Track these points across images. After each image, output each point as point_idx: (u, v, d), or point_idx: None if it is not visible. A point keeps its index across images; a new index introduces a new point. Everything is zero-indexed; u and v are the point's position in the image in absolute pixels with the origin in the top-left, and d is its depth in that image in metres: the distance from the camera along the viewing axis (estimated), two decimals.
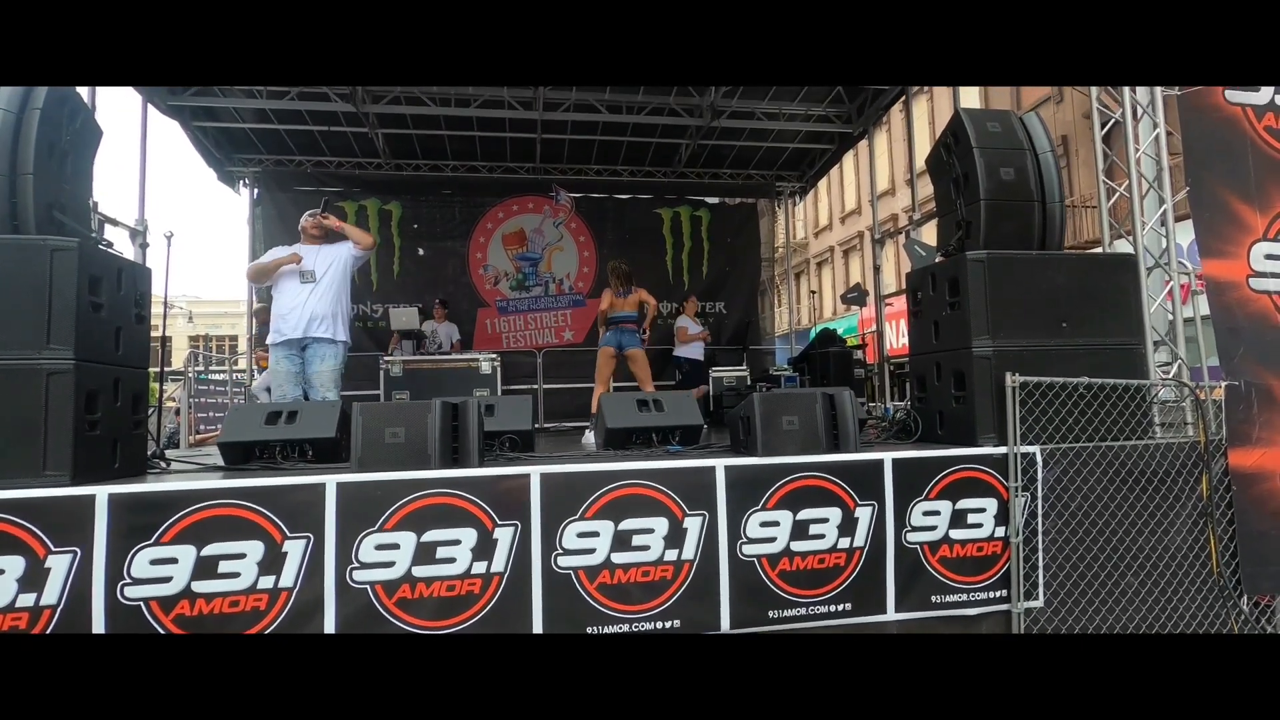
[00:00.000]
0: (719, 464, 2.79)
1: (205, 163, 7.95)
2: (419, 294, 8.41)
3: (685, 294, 9.27)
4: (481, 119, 7.48)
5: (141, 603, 2.31)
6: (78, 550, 2.27)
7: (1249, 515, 3.11)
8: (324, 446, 3.12)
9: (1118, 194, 4.82)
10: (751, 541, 2.77)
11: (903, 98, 7.26)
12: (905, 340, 4.20)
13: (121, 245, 4.40)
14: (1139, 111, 4.77)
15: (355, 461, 2.66)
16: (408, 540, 2.51)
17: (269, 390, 7.23)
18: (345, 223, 4.10)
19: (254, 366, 8.22)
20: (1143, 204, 4.59)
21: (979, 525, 2.95)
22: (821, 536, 2.82)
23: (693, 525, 2.72)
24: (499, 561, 2.57)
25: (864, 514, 2.86)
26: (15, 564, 2.23)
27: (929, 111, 15.11)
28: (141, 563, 2.32)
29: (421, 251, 8.80)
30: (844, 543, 2.83)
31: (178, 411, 7.28)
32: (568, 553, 2.63)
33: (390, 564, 2.49)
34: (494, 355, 6.74)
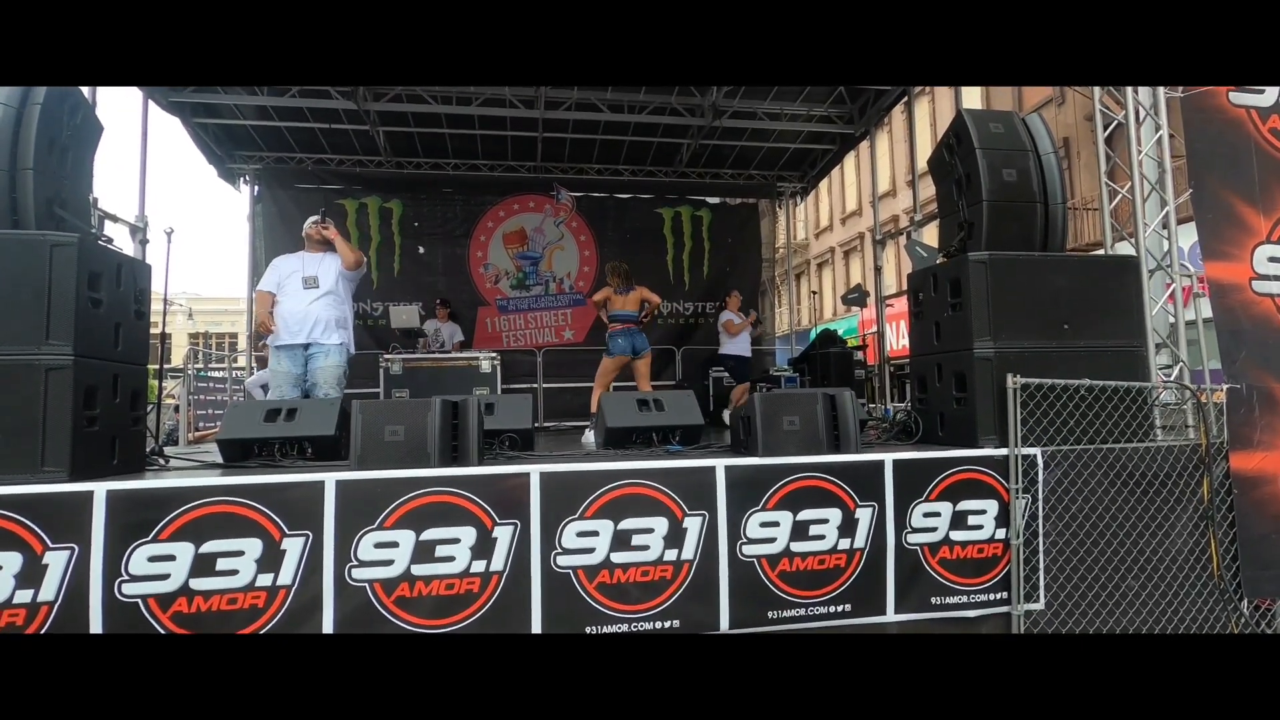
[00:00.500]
0: (719, 464, 2.78)
1: (206, 159, 7.94)
2: (419, 292, 8.40)
3: (685, 293, 9.27)
4: (483, 117, 7.48)
5: (139, 600, 2.30)
6: (75, 547, 2.27)
7: (1250, 519, 3.11)
8: (323, 444, 3.12)
9: (1120, 196, 4.81)
10: (751, 542, 2.76)
11: (904, 99, 7.25)
12: (906, 341, 4.20)
13: (121, 241, 4.39)
14: (1142, 114, 4.76)
15: (355, 459, 2.65)
16: (407, 538, 2.50)
17: (264, 388, 7.26)
18: (340, 236, 4.08)
19: (253, 364, 8.21)
20: (1145, 206, 4.58)
21: (980, 527, 2.94)
22: (822, 537, 2.81)
23: (692, 525, 2.71)
24: (498, 560, 2.56)
25: (864, 515, 2.85)
26: (13, 560, 2.22)
27: (930, 113, 15.11)
28: (139, 560, 2.31)
29: (422, 250, 8.78)
30: (844, 544, 2.82)
31: (177, 409, 7.27)
32: (567, 552, 2.62)
33: (389, 562, 2.48)
34: (494, 354, 6.73)
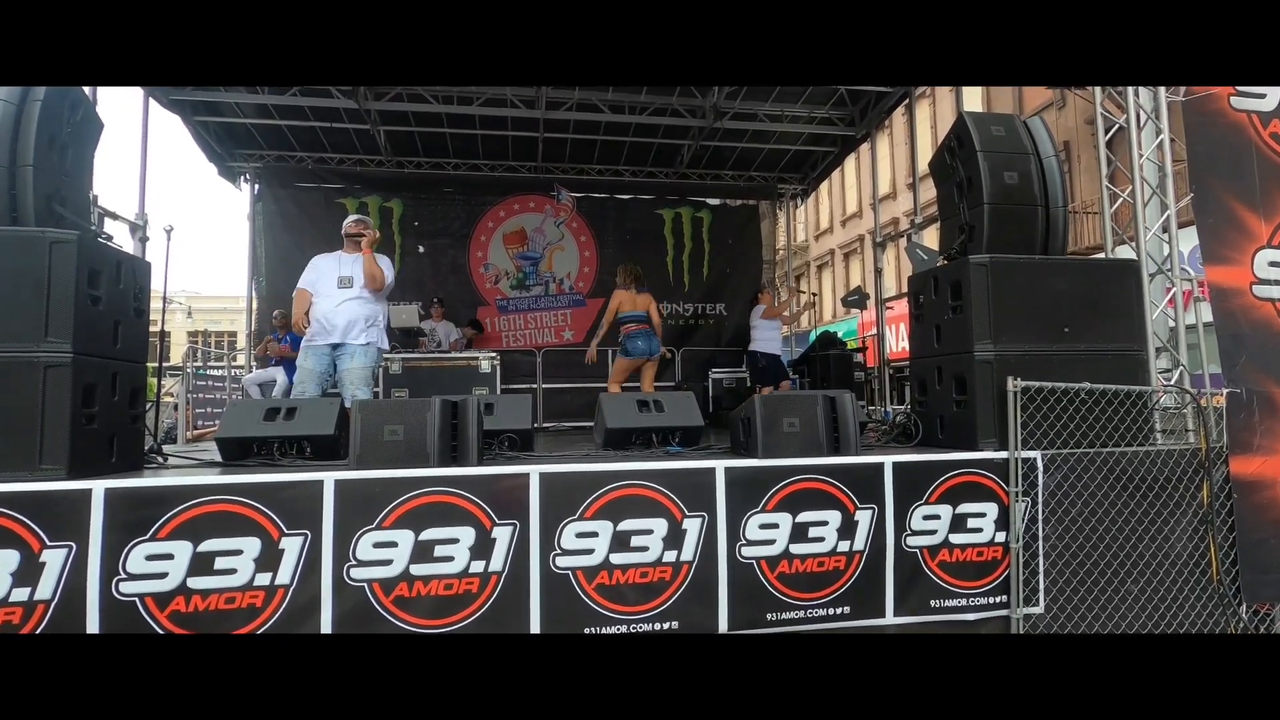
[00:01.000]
0: (719, 465, 2.78)
1: (206, 158, 7.93)
2: (419, 292, 8.39)
3: (685, 294, 9.26)
4: (484, 117, 7.47)
5: (137, 599, 2.29)
6: (73, 545, 2.26)
7: (1249, 523, 3.10)
8: (322, 444, 3.11)
9: (1120, 200, 4.81)
10: (751, 543, 2.75)
11: (905, 101, 7.25)
12: (906, 344, 4.19)
13: (121, 239, 4.39)
14: (1143, 117, 4.76)
15: (354, 459, 2.64)
16: (406, 538, 2.49)
17: (261, 386, 7.25)
18: (370, 253, 4.06)
19: (251, 363, 8.20)
20: (1145, 210, 4.58)
21: (979, 530, 2.94)
22: (821, 539, 2.80)
23: (692, 526, 2.71)
24: (497, 561, 2.56)
25: (864, 517, 2.85)
26: (10, 558, 2.21)
27: (931, 115, 15.12)
28: (137, 558, 2.30)
29: (422, 249, 8.77)
30: (843, 546, 2.82)
31: (175, 407, 7.26)
32: (566, 553, 2.61)
33: (388, 562, 2.48)
34: (493, 354, 6.72)
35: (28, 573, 2.22)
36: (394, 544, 2.49)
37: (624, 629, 2.63)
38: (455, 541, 2.53)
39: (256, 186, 8.43)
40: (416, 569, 2.49)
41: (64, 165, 2.85)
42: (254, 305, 8.40)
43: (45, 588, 2.23)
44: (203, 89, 6.66)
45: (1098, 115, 4.92)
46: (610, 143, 8.42)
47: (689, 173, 9.23)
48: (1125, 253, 4.56)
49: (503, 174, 8.93)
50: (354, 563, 2.45)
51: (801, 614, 2.77)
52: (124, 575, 2.29)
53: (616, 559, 2.64)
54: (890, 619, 2.83)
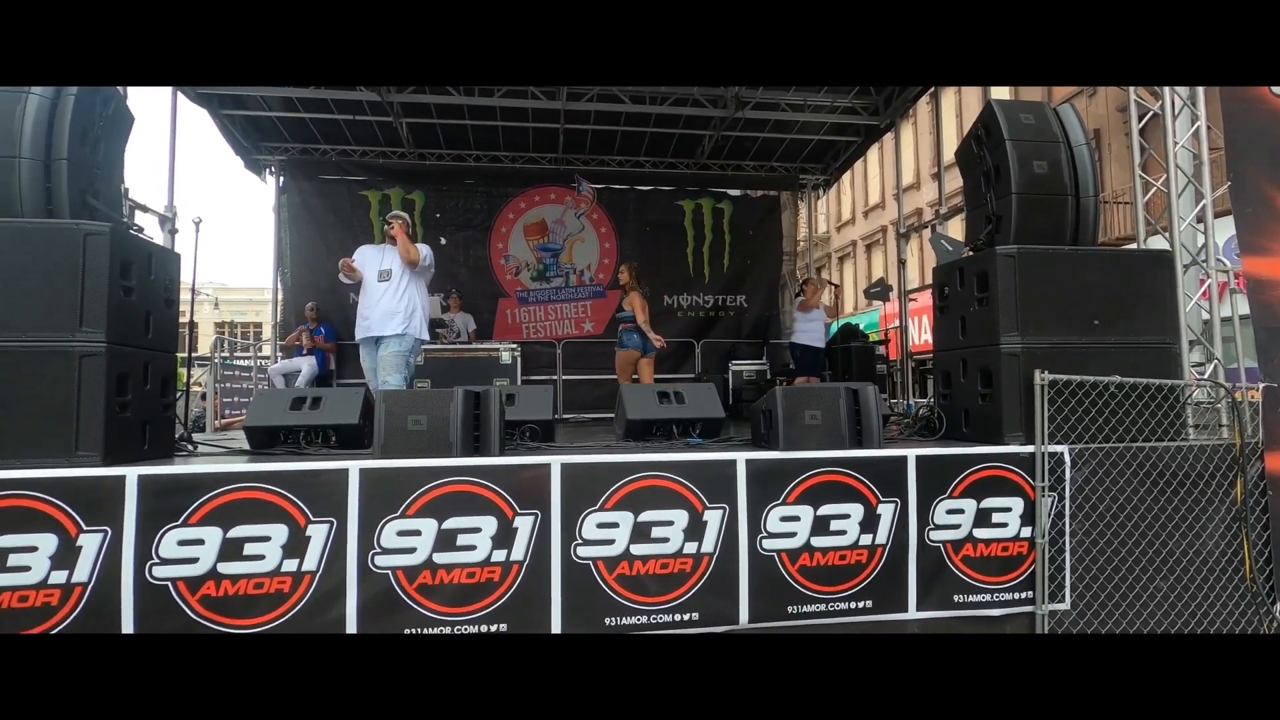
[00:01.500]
0: (740, 457, 2.77)
1: (233, 150, 8.03)
2: (440, 283, 8.44)
3: (705, 286, 9.22)
4: (505, 109, 7.48)
5: (169, 582, 2.35)
6: (108, 530, 2.32)
7: None
8: (347, 433, 3.15)
9: (1154, 189, 4.69)
10: (772, 536, 2.75)
11: (931, 90, 7.12)
12: (929, 336, 4.14)
13: (151, 231, 4.47)
14: (1178, 105, 4.63)
15: (378, 448, 2.68)
16: (429, 527, 2.52)
17: (285, 376, 7.36)
18: (403, 234, 4.23)
19: (277, 353, 8.33)
20: (1180, 199, 4.46)
21: (1004, 525, 2.90)
22: (843, 533, 2.79)
23: (713, 518, 2.71)
24: (519, 550, 2.58)
25: (886, 511, 2.82)
26: (48, 542, 2.28)
27: (957, 104, 14.85)
28: (169, 543, 2.36)
29: (443, 241, 8.82)
30: (866, 539, 2.80)
31: (204, 396, 7.40)
32: (587, 543, 2.63)
33: (412, 550, 2.51)
34: (514, 345, 6.75)
35: (65, 556, 2.29)
36: (417, 532, 2.52)
37: (644, 619, 2.64)
38: (477, 531, 2.56)
39: (282, 179, 8.53)
40: (439, 557, 2.52)
41: (96, 159, 2.90)
42: (279, 296, 8.52)
43: (82, 571, 2.30)
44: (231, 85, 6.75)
45: (1131, 102, 4.79)
46: (631, 134, 8.38)
47: (710, 163, 9.17)
48: (1158, 243, 4.45)
49: (523, 165, 8.94)
50: (378, 550, 2.49)
51: (823, 607, 2.76)
52: (157, 559, 2.35)
53: (637, 550, 2.65)
54: (913, 614, 2.81)
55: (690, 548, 2.69)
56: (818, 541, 2.77)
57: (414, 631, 2.48)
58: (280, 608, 2.42)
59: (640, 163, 9.11)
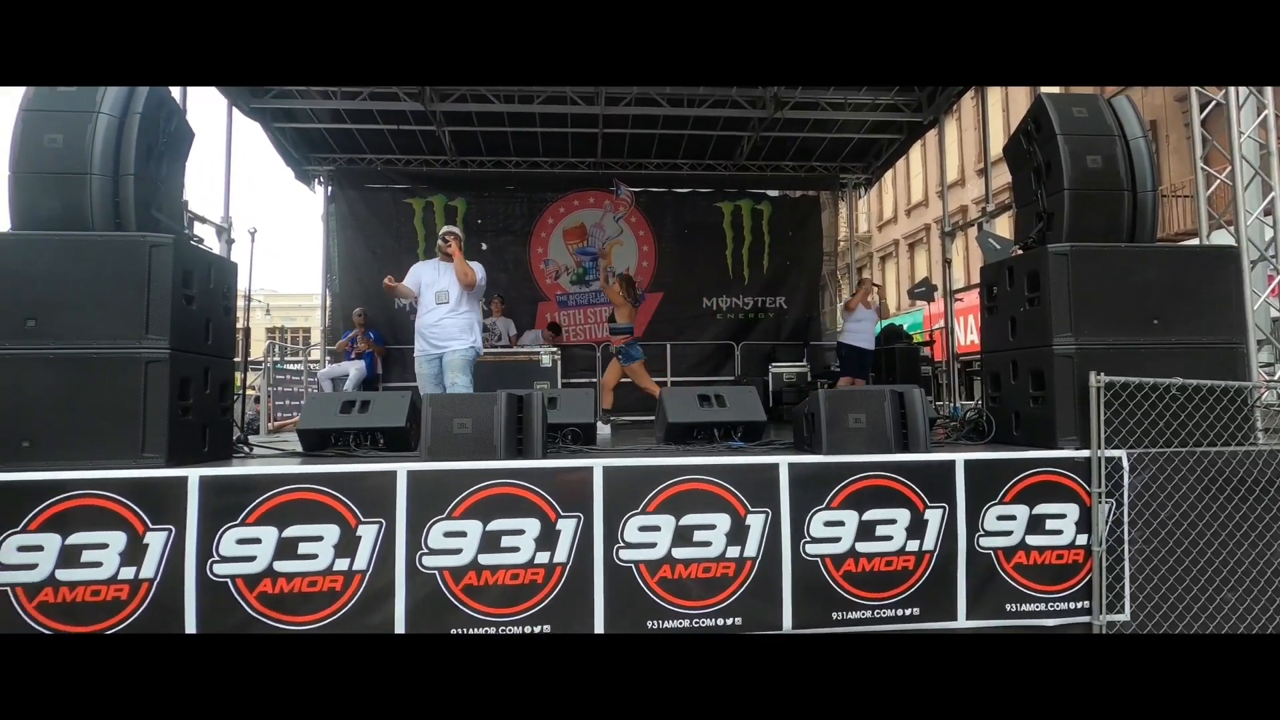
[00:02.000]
0: (782, 461, 2.74)
1: (284, 162, 8.32)
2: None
3: (745, 288, 9.16)
4: (544, 115, 7.57)
5: (229, 580, 2.44)
6: (172, 528, 2.42)
7: None
8: (394, 435, 3.23)
9: (1217, 182, 4.49)
10: (815, 541, 2.71)
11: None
12: (975, 337, 4.03)
13: (208, 241, 4.66)
14: (1243, 94, 4.43)
15: (425, 450, 2.74)
16: (474, 528, 2.57)
17: (333, 380, 7.58)
18: (459, 254, 4.36)
19: (325, 358, 8.58)
20: (1246, 192, 4.26)
21: (1059, 532, 2.81)
22: (889, 538, 2.74)
23: (755, 522, 2.69)
24: (561, 552, 2.60)
25: (934, 516, 2.76)
26: (118, 539, 2.40)
27: (1003, 98, 14.44)
28: (229, 542, 2.45)
29: (485, 246, 8.97)
30: (913, 545, 2.74)
31: (258, 399, 7.67)
32: (629, 546, 2.64)
33: (458, 551, 2.56)
34: (554, 349, 6.82)
35: (134, 553, 2.40)
36: (463, 534, 2.56)
37: (687, 624, 2.63)
38: (521, 533, 2.59)
39: (330, 188, 8.80)
40: (485, 558, 2.56)
41: (160, 173, 3.04)
42: (328, 302, 8.78)
43: (149, 567, 2.41)
44: (281, 95, 6.99)
45: (1191, 92, 4.60)
46: (669, 136, 8.39)
47: (749, 165, 9.12)
48: (1222, 238, 4.26)
49: (562, 170, 9.03)
50: (426, 551, 2.54)
51: (869, 614, 2.71)
52: (217, 557, 2.44)
53: (679, 553, 2.65)
54: (962, 622, 2.74)
55: (733, 552, 2.67)
56: (863, 547, 2.72)
57: (460, 632, 2.53)
58: (333, 605, 2.49)
59: (678, 165, 9.11)
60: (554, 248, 9.12)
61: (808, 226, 9.49)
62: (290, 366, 10.40)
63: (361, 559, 2.52)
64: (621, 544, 2.63)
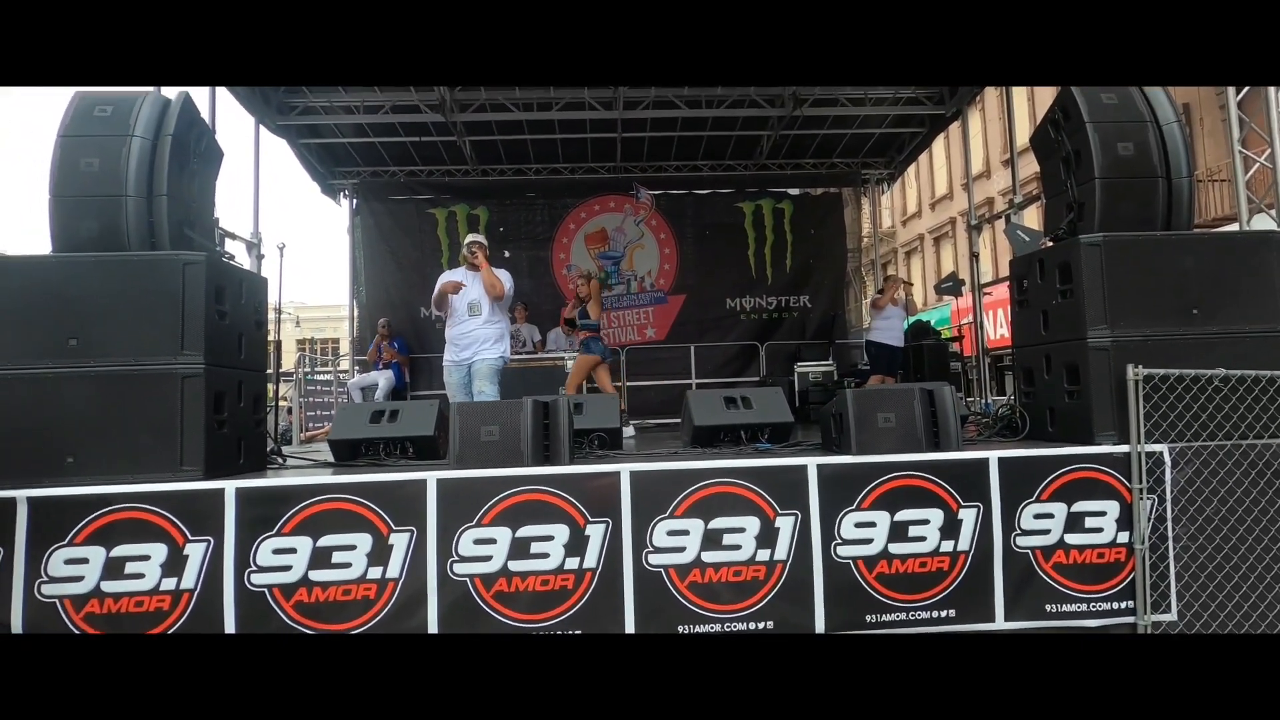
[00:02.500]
0: (811, 462, 2.72)
1: (310, 177, 8.49)
2: None
3: (768, 287, 9.10)
4: (563, 121, 7.62)
5: (266, 589, 2.49)
6: (211, 540, 2.48)
7: None
8: (423, 444, 3.27)
9: (1256, 165, 4.36)
10: (846, 543, 2.68)
11: None
12: (1004, 331, 3.96)
13: (239, 257, 4.77)
14: None
15: (453, 458, 2.76)
16: (504, 535, 2.58)
17: (362, 390, 7.69)
18: (486, 265, 4.42)
19: (354, 368, 8.72)
20: None
21: (1099, 530, 2.74)
22: (922, 539, 2.69)
23: (785, 525, 2.66)
24: (591, 558, 2.60)
25: (968, 516, 2.71)
26: (159, 551, 2.46)
27: (1028, 87, 14.17)
28: (265, 552, 2.50)
29: (507, 254, 9.04)
30: (947, 546, 2.69)
31: (289, 410, 7.82)
32: (658, 550, 2.63)
33: (488, 558, 2.57)
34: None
35: (174, 564, 2.46)
36: (493, 540, 2.58)
37: (718, 628, 2.62)
38: (550, 539, 2.60)
39: (354, 201, 8.95)
40: (514, 565, 2.58)
41: (192, 192, 3.12)
42: (355, 313, 8.92)
43: (189, 578, 2.46)
44: (305, 113, 7.13)
45: None
46: (687, 138, 8.39)
47: (769, 163, 9.07)
48: (1263, 222, 4.13)
49: (583, 175, 9.08)
50: (456, 558, 2.56)
51: (903, 616, 2.67)
52: (254, 567, 2.49)
53: (709, 557, 2.63)
54: (1001, 624, 2.68)
55: (763, 555, 2.65)
56: (895, 548, 2.68)
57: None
58: (367, 613, 2.52)
59: (698, 166, 9.10)
60: (576, 253, 9.16)
61: (830, 224, 9.40)
62: (320, 377, 10.59)
63: (394, 567, 2.55)
64: (650, 548, 2.63)
